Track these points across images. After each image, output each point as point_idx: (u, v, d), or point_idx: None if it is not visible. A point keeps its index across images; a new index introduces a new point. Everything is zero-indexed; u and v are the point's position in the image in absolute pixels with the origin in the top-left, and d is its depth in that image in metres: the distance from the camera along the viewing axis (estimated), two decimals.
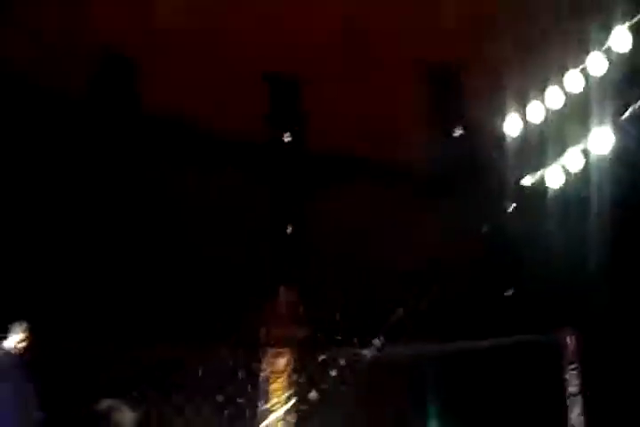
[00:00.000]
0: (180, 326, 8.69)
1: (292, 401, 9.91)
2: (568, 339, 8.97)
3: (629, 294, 8.64)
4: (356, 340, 9.17)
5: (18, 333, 8.18)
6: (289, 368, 10.05)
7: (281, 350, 10.03)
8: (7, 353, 8.17)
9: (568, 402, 8.90)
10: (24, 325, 8.20)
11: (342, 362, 9.37)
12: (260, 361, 9.99)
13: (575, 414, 8.84)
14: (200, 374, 8.92)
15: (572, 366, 8.98)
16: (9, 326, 8.17)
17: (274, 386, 9.97)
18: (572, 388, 8.98)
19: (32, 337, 8.19)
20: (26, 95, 6.99)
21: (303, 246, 9.15)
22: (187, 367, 8.98)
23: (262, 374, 10.02)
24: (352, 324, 8.98)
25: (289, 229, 8.88)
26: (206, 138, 7.23)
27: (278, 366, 10.02)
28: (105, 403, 3.17)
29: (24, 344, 8.17)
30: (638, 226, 8.68)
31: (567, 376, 9.00)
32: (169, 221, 8.66)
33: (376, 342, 9.01)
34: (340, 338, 9.25)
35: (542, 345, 8.90)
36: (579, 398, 8.91)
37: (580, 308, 8.67)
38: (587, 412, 8.77)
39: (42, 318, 8.12)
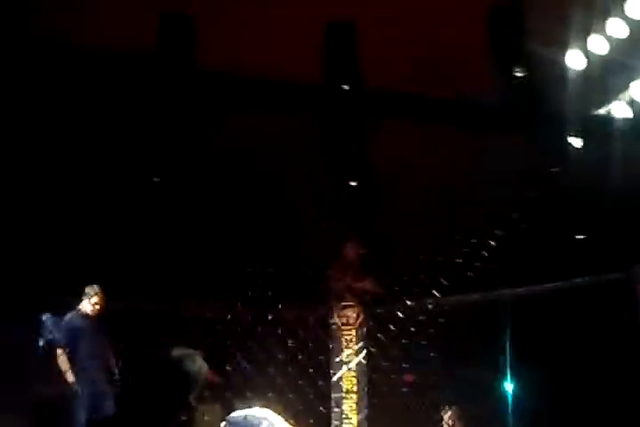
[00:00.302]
0: (250, 283, 8.70)
1: (364, 353, 9.96)
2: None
3: None
4: (423, 292, 9.12)
5: (91, 295, 8.32)
6: (359, 321, 10.08)
7: (350, 302, 10.07)
8: (84, 314, 8.32)
9: None
10: (97, 287, 8.33)
11: (410, 315, 9.38)
12: (330, 315, 10.07)
13: None
14: (272, 330, 8.95)
15: None
16: (84, 288, 8.32)
17: (345, 339, 10.02)
18: None
19: (106, 298, 8.31)
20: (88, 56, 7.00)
21: (367, 197, 9.08)
22: (258, 324, 9.04)
23: (333, 327, 10.07)
24: (422, 275, 8.92)
25: (352, 182, 8.79)
26: (263, 84, 7.17)
27: (349, 319, 10.06)
28: (178, 351, 3.16)
29: (99, 306, 8.31)
30: None
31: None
32: (226, 174, 8.61)
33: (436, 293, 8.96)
34: (408, 291, 9.21)
35: (616, 284, 8.77)
36: None
37: None
38: None
39: (114, 280, 8.20)
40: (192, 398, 3.11)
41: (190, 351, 3.26)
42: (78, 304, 8.38)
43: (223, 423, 6.94)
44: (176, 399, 3.09)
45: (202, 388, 3.20)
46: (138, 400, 3.15)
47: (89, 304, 8.31)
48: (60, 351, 8.16)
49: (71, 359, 8.10)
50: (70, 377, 8.01)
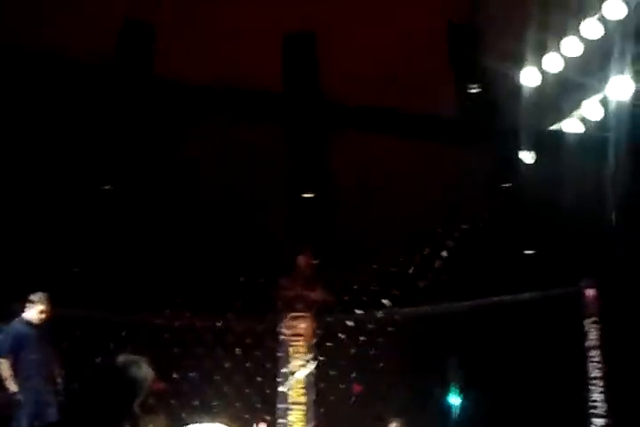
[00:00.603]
0: (199, 293, 8.64)
1: (313, 364, 9.94)
2: (588, 292, 8.95)
3: None
4: (374, 301, 9.15)
5: (36, 303, 8.18)
6: (309, 331, 10.07)
7: (300, 312, 10.05)
8: (28, 322, 8.18)
9: (588, 355, 8.89)
10: (44, 295, 8.18)
11: (361, 324, 9.40)
12: (280, 325, 10.04)
13: (594, 367, 8.82)
14: (220, 339, 8.89)
15: (592, 320, 8.97)
16: (29, 296, 8.17)
17: (294, 349, 9.98)
18: (592, 341, 8.96)
19: (51, 307, 8.18)
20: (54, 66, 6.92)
21: (322, 207, 9.10)
22: (206, 332, 8.99)
23: (282, 337, 10.04)
24: (372, 286, 8.95)
25: (307, 194, 8.79)
26: (223, 94, 7.14)
27: (298, 329, 10.03)
28: (123, 357, 3.10)
29: (44, 315, 8.17)
30: None
31: (587, 329, 8.97)
32: (184, 185, 8.59)
33: (387, 302, 9.00)
34: (359, 301, 9.23)
35: (562, 299, 8.89)
36: (598, 352, 8.91)
37: (600, 260, 8.63)
38: (606, 364, 8.76)
39: (60, 288, 8.09)
40: (136, 406, 3.07)
41: (136, 358, 3.21)
42: (22, 312, 8.24)
43: None
44: (120, 407, 3.03)
45: (147, 395, 3.15)
46: (82, 408, 3.08)
47: (34, 312, 8.18)
48: (2, 360, 8.01)
49: (14, 367, 7.95)
50: (12, 386, 7.86)
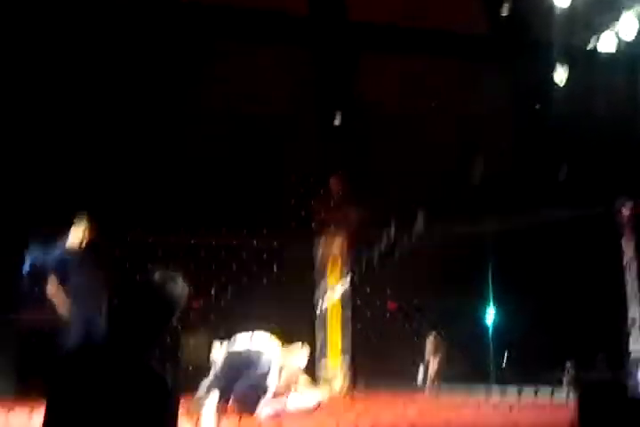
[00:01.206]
0: (237, 212, 8.78)
1: (348, 282, 10.15)
2: (624, 209, 8.94)
3: None
4: (408, 221, 9.22)
5: (81, 226, 8.41)
6: (344, 250, 10.25)
7: (336, 233, 10.22)
8: (73, 244, 8.43)
9: (625, 271, 8.94)
10: (85, 219, 8.42)
11: (395, 243, 9.51)
12: (316, 244, 10.23)
13: (630, 282, 8.88)
14: (257, 258, 9.07)
15: (629, 236, 8.99)
16: (72, 219, 8.40)
17: (330, 268, 10.20)
18: (628, 257, 9.00)
19: (95, 229, 8.41)
20: None
21: (351, 131, 9.12)
22: (244, 250, 9.17)
23: (318, 257, 10.24)
24: (404, 206, 9.01)
25: (337, 117, 8.80)
26: (247, 16, 7.10)
27: (333, 249, 10.22)
28: (160, 274, 3.20)
29: (87, 238, 8.41)
30: None
31: (624, 246, 9.00)
32: (215, 105, 8.60)
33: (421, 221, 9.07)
34: (392, 221, 9.32)
35: (598, 218, 8.89)
36: (634, 266, 8.96)
37: (636, 179, 8.58)
38: None
39: (103, 210, 8.29)
40: (175, 320, 3.21)
41: (172, 274, 3.32)
42: (68, 235, 8.50)
43: (223, 356, 7.18)
44: (159, 322, 3.15)
45: (184, 310, 3.28)
46: (123, 324, 3.22)
47: (78, 234, 8.43)
48: (50, 280, 8.29)
49: (60, 288, 8.24)
50: (60, 305, 8.16)
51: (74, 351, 3.43)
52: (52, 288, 8.17)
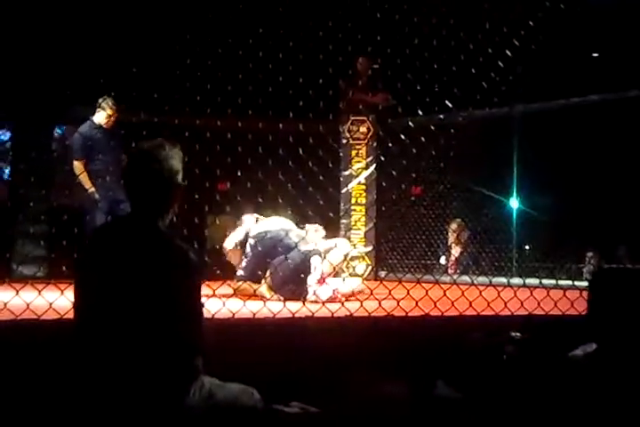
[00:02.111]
0: (261, 92, 8.63)
1: (374, 166, 10.10)
2: None
3: None
4: (436, 104, 9.04)
5: (105, 107, 8.35)
6: (370, 134, 10.15)
7: (362, 116, 10.10)
8: (98, 126, 8.40)
9: None
10: (111, 99, 8.34)
11: (423, 126, 9.38)
12: (342, 128, 10.12)
13: None
14: (283, 139, 8.99)
15: None
16: (97, 100, 8.30)
17: (356, 151, 10.13)
18: None
19: (119, 111, 8.34)
20: None
21: (383, 9, 8.83)
22: (268, 132, 9.08)
23: (344, 142, 10.16)
24: (434, 88, 8.81)
25: None
26: None
27: (359, 133, 10.13)
28: (147, 143, 3.10)
29: (113, 118, 8.37)
30: None
31: None
32: None
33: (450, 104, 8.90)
34: (421, 103, 9.14)
35: (630, 102, 8.70)
36: None
37: None
38: None
39: (126, 92, 8.17)
40: (180, 184, 3.29)
41: (159, 141, 3.40)
42: (92, 115, 8.44)
43: (252, 241, 7.22)
44: (161, 185, 3.28)
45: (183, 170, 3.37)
46: (131, 194, 3.36)
47: (102, 116, 8.37)
48: (76, 162, 8.33)
49: (88, 168, 8.29)
50: (87, 184, 8.23)
51: (98, 229, 3.53)
52: (80, 170, 8.26)
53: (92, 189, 8.27)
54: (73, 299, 3.21)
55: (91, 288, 3.15)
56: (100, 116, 8.43)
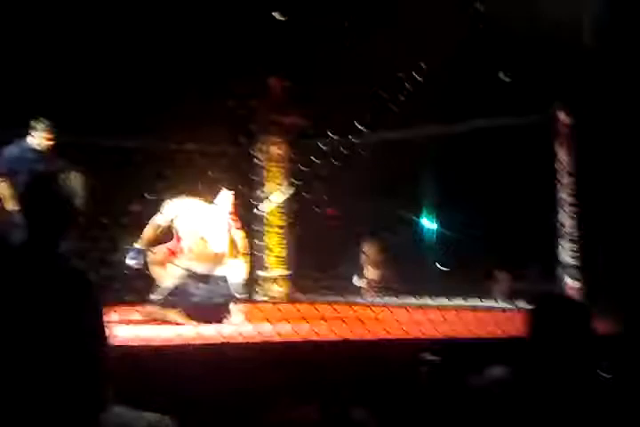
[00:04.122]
0: (173, 115, 8.57)
1: (289, 188, 10.08)
2: (561, 117, 8.93)
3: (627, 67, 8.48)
4: (348, 126, 9.12)
5: (40, 130, 7.99)
6: (284, 156, 10.14)
7: (275, 137, 10.08)
8: (30, 149, 8.07)
9: (559, 180, 9.00)
10: (47, 122, 7.99)
11: (337, 150, 9.43)
12: (254, 150, 10.08)
13: (565, 193, 8.96)
14: (193, 162, 8.94)
15: (564, 145, 9.01)
16: (31, 122, 7.95)
17: (269, 173, 10.10)
18: (563, 166, 9.04)
19: (55, 135, 8.01)
20: None
21: (295, 31, 8.89)
22: (179, 156, 9.01)
23: (257, 163, 10.12)
24: (345, 114, 8.89)
25: (278, 15, 8.57)
26: None
27: (273, 155, 10.10)
28: (51, 172, 3.00)
29: (49, 142, 8.02)
30: None
31: (557, 155, 9.03)
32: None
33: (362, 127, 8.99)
34: (333, 125, 9.20)
35: (534, 125, 8.89)
36: (569, 177, 9.02)
37: (574, 82, 8.54)
38: (577, 189, 8.89)
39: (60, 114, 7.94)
40: (80, 205, 3.26)
41: (64, 169, 3.38)
42: (25, 138, 8.08)
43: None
44: (56, 213, 3.23)
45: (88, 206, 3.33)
46: (28, 221, 3.29)
47: (37, 139, 8.03)
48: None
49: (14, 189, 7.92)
50: (11, 205, 7.84)
51: None
52: (3, 188, 7.90)
53: (16, 209, 7.86)
54: None
55: None
56: (34, 140, 8.04)
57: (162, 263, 6.89)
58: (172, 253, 6.94)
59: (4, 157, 8.06)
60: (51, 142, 8.00)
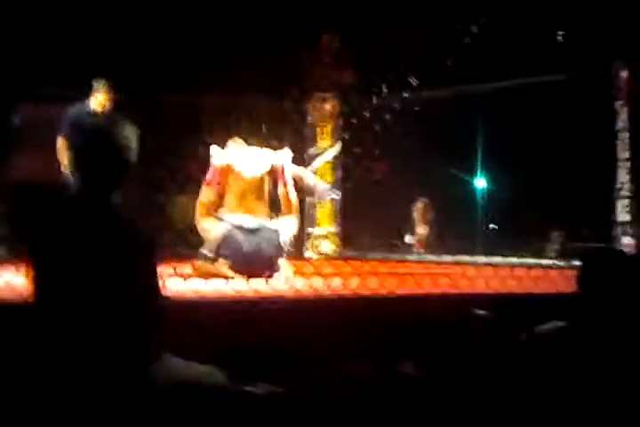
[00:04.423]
0: (224, 68, 8.55)
1: (338, 145, 10.06)
2: (621, 73, 8.75)
3: None
4: (400, 82, 9.02)
5: (101, 92, 7.89)
6: (335, 112, 10.09)
7: (326, 93, 10.03)
8: (90, 110, 7.94)
9: (617, 136, 8.84)
10: (107, 83, 7.89)
11: (389, 107, 9.36)
12: (305, 106, 10.05)
13: (623, 149, 8.80)
14: (247, 116, 8.95)
15: (623, 102, 8.84)
16: (92, 83, 7.86)
17: (320, 131, 10.08)
18: (621, 123, 8.88)
19: (116, 96, 7.91)
20: None
21: None
22: (231, 109, 9.02)
23: (309, 120, 10.10)
24: (399, 70, 8.80)
25: None
26: None
27: (325, 111, 10.06)
28: (104, 119, 2.95)
29: (106, 103, 7.90)
30: None
31: (617, 112, 8.86)
32: None
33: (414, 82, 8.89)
34: (386, 81, 9.12)
35: (593, 81, 8.72)
36: (626, 135, 8.85)
37: (635, 40, 8.32)
38: (633, 148, 8.73)
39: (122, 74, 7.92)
40: (134, 158, 3.24)
41: (117, 118, 3.38)
42: (85, 98, 7.98)
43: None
44: (110, 162, 3.17)
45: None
46: (81, 171, 3.30)
47: (96, 100, 7.90)
48: (60, 140, 7.94)
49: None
50: (65, 165, 7.84)
51: (50, 209, 3.46)
52: (62, 150, 7.84)
53: (68, 169, 7.88)
54: (29, 282, 3.14)
55: (47, 269, 3.09)
56: (94, 102, 7.89)
57: (208, 212, 6.89)
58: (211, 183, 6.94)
59: (66, 118, 8.00)
60: (111, 103, 7.90)
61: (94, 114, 7.82)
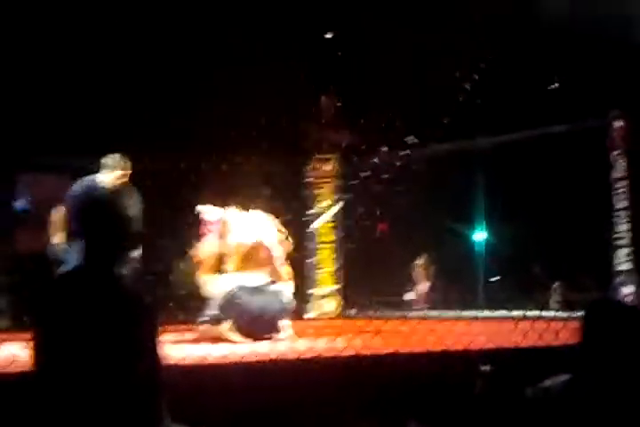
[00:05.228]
0: (225, 133, 8.63)
1: (339, 206, 10.11)
2: (616, 123, 8.82)
3: None
4: (398, 140, 9.11)
5: (117, 168, 7.07)
6: (335, 173, 10.17)
7: (326, 154, 10.13)
8: (100, 186, 7.02)
9: (614, 186, 8.88)
10: (125, 159, 7.10)
11: (388, 165, 9.43)
12: (305, 167, 10.13)
13: (619, 199, 8.84)
14: (246, 180, 8.99)
15: (619, 152, 8.90)
16: (102, 158, 7.09)
17: (320, 191, 10.14)
18: (618, 173, 8.92)
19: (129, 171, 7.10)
20: None
21: (344, 49, 8.94)
22: (232, 173, 9.07)
23: (308, 180, 10.17)
24: (397, 129, 8.89)
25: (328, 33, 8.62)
26: None
27: (324, 172, 10.15)
28: (113, 192, 2.85)
29: (122, 180, 7.05)
30: None
31: (613, 162, 8.92)
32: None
33: (412, 140, 8.98)
34: (385, 143, 9.22)
35: (588, 131, 8.79)
36: (624, 184, 8.90)
37: (630, 89, 8.42)
38: (631, 197, 8.77)
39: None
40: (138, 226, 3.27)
41: (124, 190, 3.42)
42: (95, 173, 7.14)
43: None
44: (113, 234, 3.23)
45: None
46: (87, 243, 3.32)
47: (110, 177, 7.04)
48: (56, 212, 7.61)
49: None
50: (57, 237, 7.61)
51: (55, 279, 3.48)
52: (59, 221, 7.60)
53: (61, 241, 7.66)
54: (31, 351, 3.15)
55: (50, 339, 3.10)
56: (106, 178, 7.05)
57: (211, 269, 6.87)
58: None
59: (70, 192, 7.50)
60: (126, 179, 7.05)
61: (105, 188, 7.32)
